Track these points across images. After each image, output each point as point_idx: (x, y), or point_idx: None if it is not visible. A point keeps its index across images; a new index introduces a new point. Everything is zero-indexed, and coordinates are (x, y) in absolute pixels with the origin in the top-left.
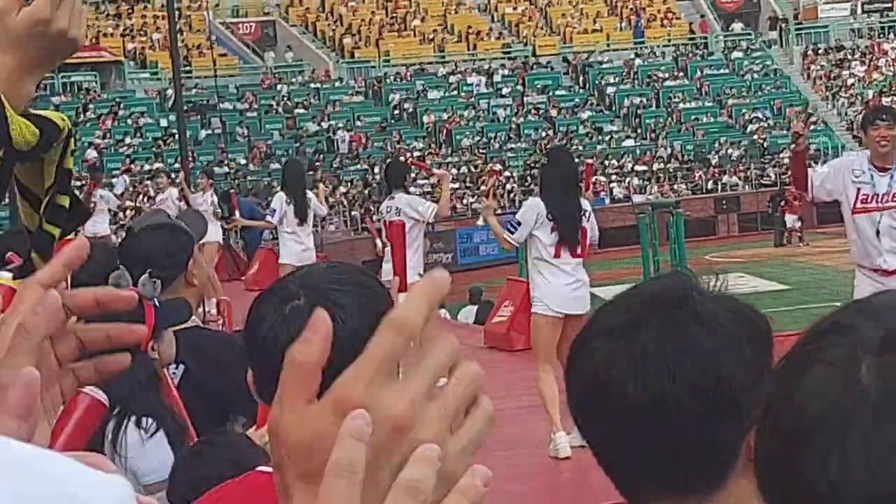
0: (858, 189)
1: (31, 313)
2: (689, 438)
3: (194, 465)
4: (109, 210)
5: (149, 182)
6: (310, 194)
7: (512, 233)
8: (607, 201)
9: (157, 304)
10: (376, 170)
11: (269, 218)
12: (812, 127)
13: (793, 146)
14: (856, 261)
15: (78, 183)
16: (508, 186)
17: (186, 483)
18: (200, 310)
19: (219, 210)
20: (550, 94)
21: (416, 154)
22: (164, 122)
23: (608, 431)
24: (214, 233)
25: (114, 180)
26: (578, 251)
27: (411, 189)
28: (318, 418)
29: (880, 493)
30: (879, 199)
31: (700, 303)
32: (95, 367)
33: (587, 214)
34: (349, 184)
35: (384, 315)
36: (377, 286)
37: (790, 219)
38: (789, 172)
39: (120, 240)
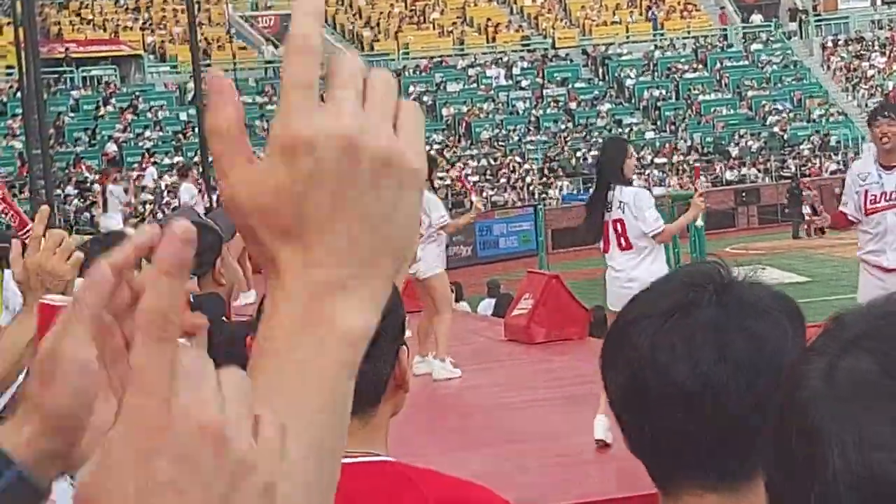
0: (866, 191)
1: (84, 286)
2: (736, 423)
3: None
4: (122, 204)
5: (167, 176)
6: None
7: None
8: None
9: (190, 300)
10: None
11: None
12: (832, 119)
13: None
14: (861, 257)
15: (97, 177)
16: (528, 179)
17: None
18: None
19: None
20: (570, 86)
21: (435, 147)
22: (183, 116)
23: (651, 418)
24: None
25: (145, 172)
26: (623, 244)
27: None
28: (271, 172)
29: (866, 479)
30: (888, 197)
31: (742, 288)
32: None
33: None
34: None
35: (392, 302)
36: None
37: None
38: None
39: None
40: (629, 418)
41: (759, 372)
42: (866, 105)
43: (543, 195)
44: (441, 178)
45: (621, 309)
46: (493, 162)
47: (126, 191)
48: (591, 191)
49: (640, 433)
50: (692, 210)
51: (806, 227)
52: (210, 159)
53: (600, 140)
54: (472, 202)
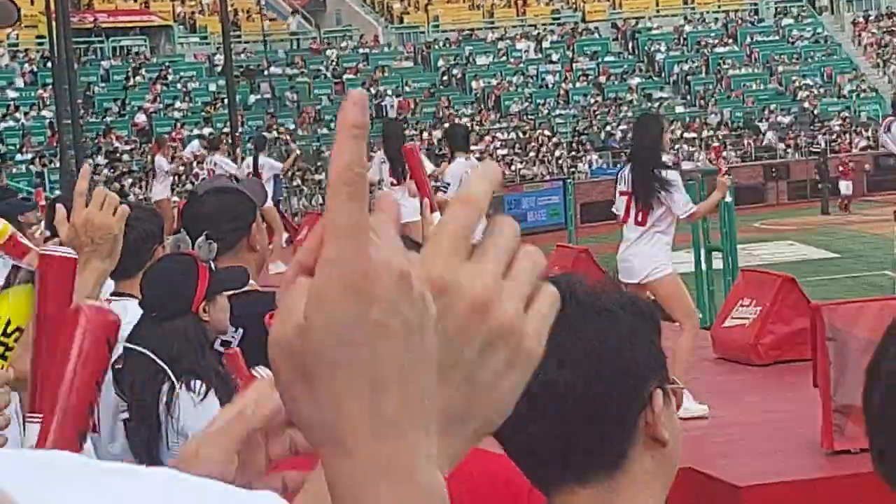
0: None
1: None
2: (583, 422)
3: None
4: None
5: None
6: None
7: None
8: None
9: (212, 267)
10: (424, 135)
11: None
12: (863, 95)
13: None
14: None
15: (127, 147)
16: (557, 153)
17: None
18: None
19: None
20: (600, 60)
21: (464, 119)
22: (212, 87)
23: (506, 426)
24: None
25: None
26: (639, 219)
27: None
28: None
29: None
30: None
31: (582, 295)
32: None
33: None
34: None
35: None
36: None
37: (844, 185)
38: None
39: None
40: None
41: (598, 373)
42: None
43: (572, 169)
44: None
45: None
46: (522, 135)
47: (172, 159)
48: (627, 169)
49: (503, 439)
50: (718, 190)
51: (843, 202)
52: (238, 131)
53: (630, 114)
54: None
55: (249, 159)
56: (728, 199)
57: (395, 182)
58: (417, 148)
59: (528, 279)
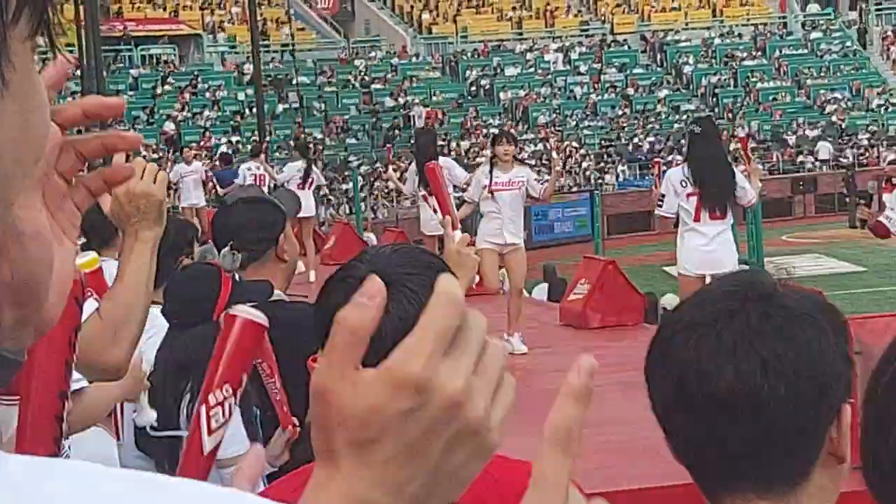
0: None
1: None
2: (780, 431)
3: None
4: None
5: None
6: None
7: (660, 207)
8: None
9: (236, 278)
10: (452, 145)
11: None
12: (891, 108)
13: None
14: None
15: (155, 156)
16: (584, 164)
17: None
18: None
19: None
20: (628, 72)
21: (492, 130)
22: (241, 96)
23: (700, 425)
24: (310, 207)
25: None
26: (717, 214)
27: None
28: (373, 390)
29: None
30: None
31: (786, 295)
32: (104, 178)
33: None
34: None
35: None
36: (443, 267)
37: (889, 198)
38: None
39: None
40: (673, 425)
41: (799, 380)
42: None
43: (600, 180)
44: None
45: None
46: (549, 146)
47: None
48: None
49: (683, 440)
50: (753, 176)
51: (863, 218)
52: (268, 138)
53: (657, 126)
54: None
55: (300, 164)
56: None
57: (426, 195)
58: (439, 167)
59: (495, 374)
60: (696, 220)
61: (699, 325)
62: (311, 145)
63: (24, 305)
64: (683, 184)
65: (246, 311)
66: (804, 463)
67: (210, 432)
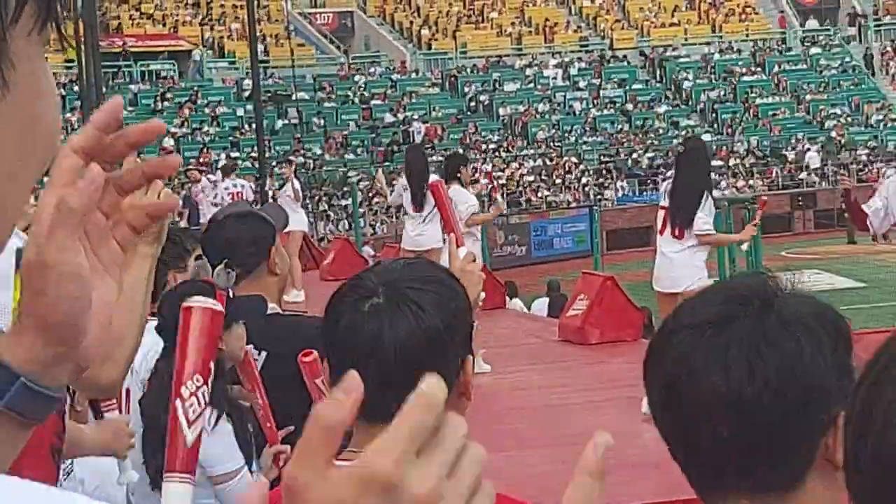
0: None
1: (70, 185)
2: (767, 437)
3: None
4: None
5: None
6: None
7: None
8: None
9: (231, 294)
10: None
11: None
12: (890, 124)
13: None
14: None
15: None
16: (584, 180)
17: None
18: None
19: (300, 196)
20: (627, 87)
21: (491, 146)
22: (240, 112)
23: (688, 426)
24: (299, 221)
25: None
26: (677, 233)
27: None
28: (341, 487)
29: None
30: None
31: (784, 303)
32: (147, 212)
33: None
34: None
35: (462, 312)
36: (454, 283)
37: (881, 189)
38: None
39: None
40: (666, 425)
41: (787, 389)
42: None
43: (599, 196)
44: (497, 178)
45: (664, 318)
46: (548, 162)
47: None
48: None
49: (676, 441)
50: (744, 234)
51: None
52: (266, 154)
53: (657, 142)
54: (496, 199)
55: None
56: (744, 247)
57: (415, 208)
58: (443, 184)
59: (471, 479)
60: (661, 233)
61: (695, 326)
62: (305, 161)
63: (63, 343)
64: (663, 197)
65: (202, 301)
66: (795, 469)
67: (189, 424)
